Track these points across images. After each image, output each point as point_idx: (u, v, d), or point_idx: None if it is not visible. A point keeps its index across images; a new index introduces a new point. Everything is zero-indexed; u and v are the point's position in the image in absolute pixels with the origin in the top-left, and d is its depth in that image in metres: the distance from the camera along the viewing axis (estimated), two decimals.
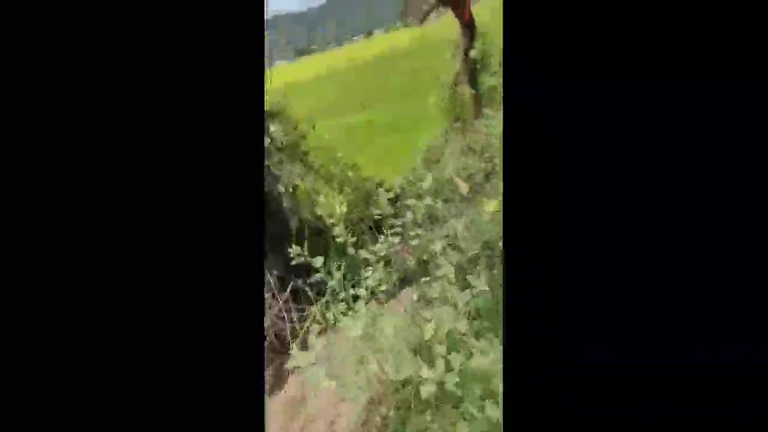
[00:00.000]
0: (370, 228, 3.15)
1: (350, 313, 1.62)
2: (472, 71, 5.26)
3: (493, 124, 3.72)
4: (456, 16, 5.07)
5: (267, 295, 2.87)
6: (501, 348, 1.05)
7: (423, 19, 4.87)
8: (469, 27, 5.10)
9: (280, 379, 2.70)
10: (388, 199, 3.83)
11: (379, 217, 2.26)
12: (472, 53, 5.09)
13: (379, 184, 3.97)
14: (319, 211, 1.94)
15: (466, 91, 5.38)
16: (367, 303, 1.74)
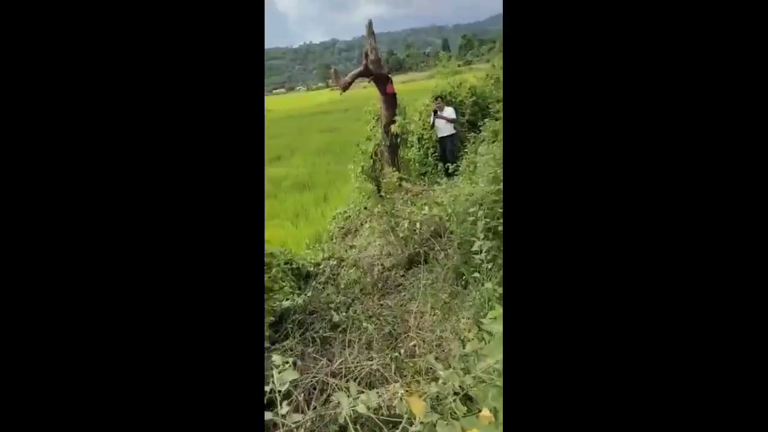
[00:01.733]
0: None
1: None
2: (393, 144, 5.27)
3: (413, 210, 3.60)
4: (378, 89, 5.13)
5: None
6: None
7: (346, 88, 4.79)
8: (390, 101, 5.16)
9: None
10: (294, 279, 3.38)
11: None
12: (393, 127, 5.11)
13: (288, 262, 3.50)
14: None
15: (384, 163, 5.34)
16: None
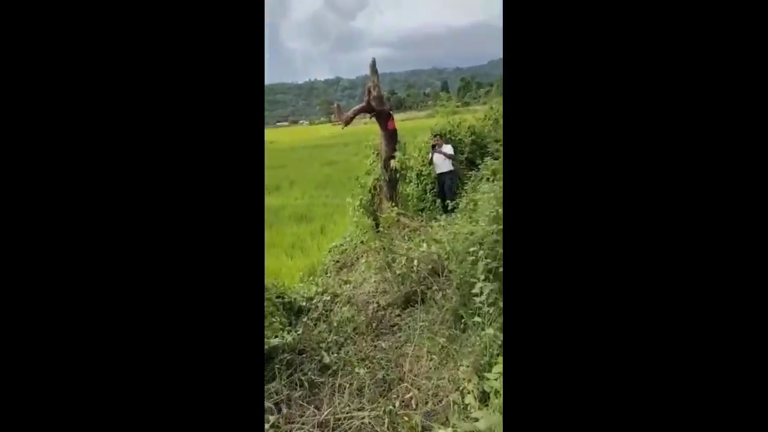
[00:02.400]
0: None
1: None
2: (392, 179, 5.26)
3: (411, 246, 3.52)
4: (379, 125, 5.17)
5: None
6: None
7: (348, 122, 4.83)
8: (391, 137, 5.20)
9: None
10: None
11: None
12: (393, 162, 5.11)
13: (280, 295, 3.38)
14: None
15: (383, 198, 5.31)
16: None
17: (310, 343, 2.65)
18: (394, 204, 5.24)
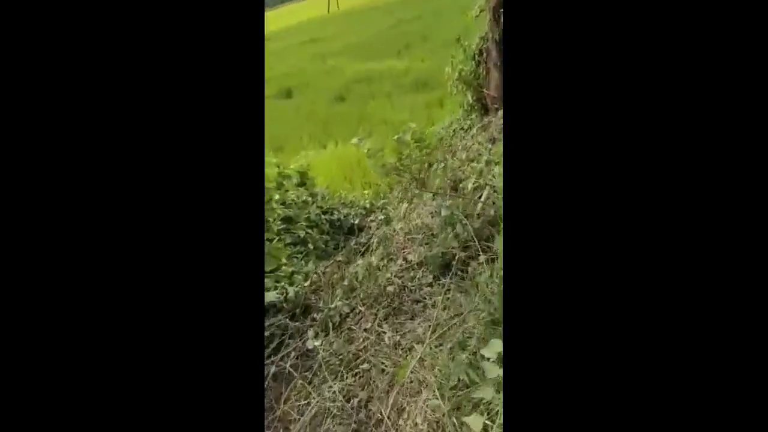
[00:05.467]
0: None
1: None
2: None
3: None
4: None
5: None
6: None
7: None
8: None
9: None
10: None
11: None
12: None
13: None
14: None
15: (491, 67, 3.78)
16: None
17: (316, 302, 2.03)
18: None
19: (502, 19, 3.46)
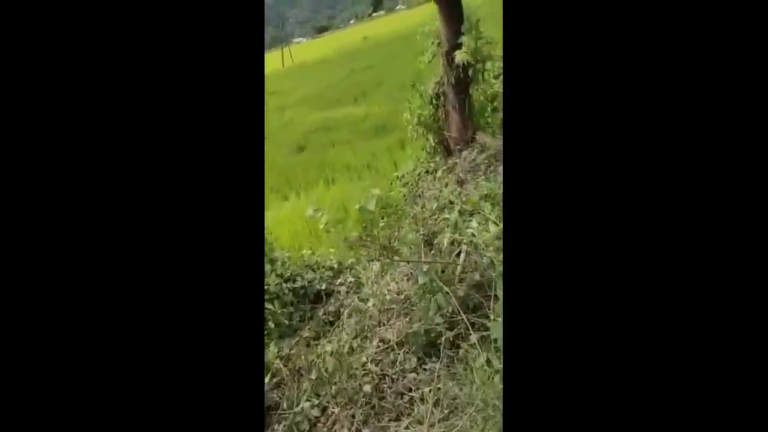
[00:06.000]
0: None
1: None
2: (459, 80, 3.57)
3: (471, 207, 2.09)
4: None
5: None
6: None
7: None
8: (452, 12, 3.38)
9: None
10: None
11: None
12: (459, 54, 3.38)
13: None
14: None
15: (450, 110, 3.71)
16: None
17: (284, 399, 1.67)
18: (465, 117, 3.66)
19: (455, 63, 3.42)
